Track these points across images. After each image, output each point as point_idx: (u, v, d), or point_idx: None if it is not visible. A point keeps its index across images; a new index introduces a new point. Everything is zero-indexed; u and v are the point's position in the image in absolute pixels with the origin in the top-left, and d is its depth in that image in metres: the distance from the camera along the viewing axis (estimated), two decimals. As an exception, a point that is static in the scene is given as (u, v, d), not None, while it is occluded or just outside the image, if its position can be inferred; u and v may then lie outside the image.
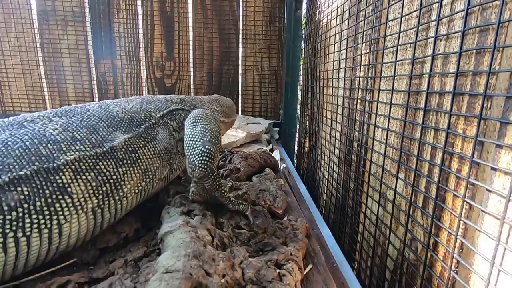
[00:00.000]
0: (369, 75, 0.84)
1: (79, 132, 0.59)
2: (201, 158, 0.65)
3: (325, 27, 1.28)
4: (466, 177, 0.47)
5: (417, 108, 0.62)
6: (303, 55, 1.92)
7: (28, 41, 2.13)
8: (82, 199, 0.53)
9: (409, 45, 0.66)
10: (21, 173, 0.48)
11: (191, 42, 2.18)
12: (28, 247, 0.47)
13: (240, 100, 2.28)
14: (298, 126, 2.08)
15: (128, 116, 0.69)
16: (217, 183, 0.66)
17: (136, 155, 0.64)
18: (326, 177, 1.24)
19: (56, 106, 2.24)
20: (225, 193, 0.68)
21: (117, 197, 0.58)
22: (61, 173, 0.52)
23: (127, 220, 0.62)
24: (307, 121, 1.71)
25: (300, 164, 2.00)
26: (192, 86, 2.25)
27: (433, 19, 0.58)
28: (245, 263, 0.45)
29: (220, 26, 2.15)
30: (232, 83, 2.25)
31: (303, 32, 1.90)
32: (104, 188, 0.56)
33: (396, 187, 0.68)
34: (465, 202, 0.48)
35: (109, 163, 0.58)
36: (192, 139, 0.69)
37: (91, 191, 0.54)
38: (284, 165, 1.35)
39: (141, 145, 0.67)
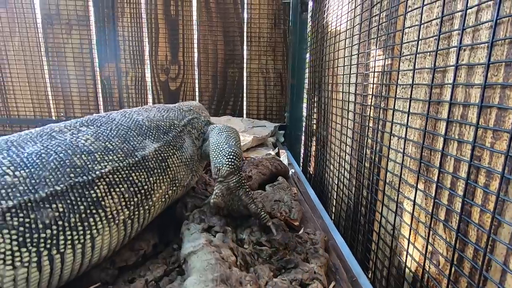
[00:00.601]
0: (384, 82, 0.83)
1: (111, 142, 0.58)
2: (228, 157, 0.68)
3: (334, 31, 1.27)
4: (496, 192, 0.45)
5: (438, 118, 0.61)
6: (308, 58, 1.91)
7: (32, 45, 2.12)
8: (115, 212, 0.52)
9: (428, 53, 0.64)
10: (57, 188, 0.47)
11: (195, 45, 2.17)
12: (62, 264, 0.46)
13: (245, 103, 2.27)
14: (303, 128, 2.07)
15: (154, 125, 0.70)
16: (242, 180, 0.68)
17: (166, 163, 0.65)
18: (336, 183, 1.23)
19: (60, 110, 2.23)
20: (250, 192, 0.68)
21: (146, 207, 0.58)
22: (95, 187, 0.51)
23: (144, 235, 0.61)
24: (314, 124, 1.70)
25: (306, 167, 1.99)
26: (197, 89, 2.24)
27: (455, 28, 0.56)
28: (271, 284, 0.44)
29: (224, 28, 2.14)
30: (237, 86, 2.24)
31: (309, 34, 1.89)
32: (135, 199, 0.56)
33: (415, 198, 0.67)
34: (494, 218, 0.46)
35: (141, 173, 0.58)
36: (218, 143, 0.72)
37: (124, 203, 0.54)
38: (292, 170, 1.33)
39: (170, 154, 0.68)
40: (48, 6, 2.06)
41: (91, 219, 0.49)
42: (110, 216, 0.52)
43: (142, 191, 0.57)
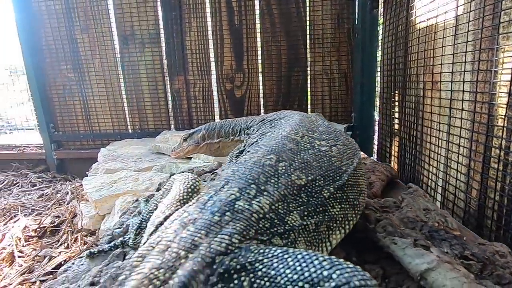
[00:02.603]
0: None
1: (346, 151, 0.63)
2: None
3: (431, 27, 1.21)
4: None
5: None
6: (380, 56, 1.84)
7: (111, 65, 2.31)
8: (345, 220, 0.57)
9: None
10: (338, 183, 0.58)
11: (259, 52, 2.20)
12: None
13: (309, 106, 2.25)
14: (376, 129, 2.00)
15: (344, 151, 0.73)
16: None
17: (360, 180, 0.67)
18: (441, 185, 1.16)
19: (135, 122, 2.40)
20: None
21: (353, 218, 0.60)
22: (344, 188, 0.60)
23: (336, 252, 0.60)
24: (396, 124, 1.64)
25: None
26: (261, 95, 2.27)
27: None
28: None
29: (287, 33, 2.15)
30: (301, 89, 2.23)
31: (381, 32, 1.83)
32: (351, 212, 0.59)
33: None
34: None
35: (353, 189, 0.61)
36: None
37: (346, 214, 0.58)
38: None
39: (362, 173, 0.69)
40: (124, 28, 2.22)
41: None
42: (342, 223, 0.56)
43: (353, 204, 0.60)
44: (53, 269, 1.18)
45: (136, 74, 2.30)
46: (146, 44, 2.25)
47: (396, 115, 1.62)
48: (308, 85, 2.22)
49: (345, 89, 2.19)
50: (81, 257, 0.67)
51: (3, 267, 1.26)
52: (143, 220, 0.59)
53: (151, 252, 0.41)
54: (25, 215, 1.62)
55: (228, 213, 0.45)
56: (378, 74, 1.89)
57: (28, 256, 1.28)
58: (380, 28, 1.83)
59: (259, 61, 2.21)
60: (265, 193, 0.49)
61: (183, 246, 0.40)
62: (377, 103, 1.95)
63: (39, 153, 2.51)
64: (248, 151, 0.64)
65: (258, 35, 2.17)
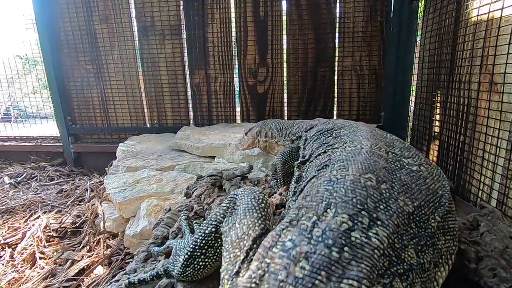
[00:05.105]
0: None
1: (433, 171, 0.57)
2: None
3: (492, 22, 1.09)
4: None
5: None
6: (418, 53, 1.71)
7: (130, 57, 2.23)
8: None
9: None
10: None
11: (284, 46, 2.09)
12: None
13: (336, 103, 2.14)
14: (409, 130, 1.89)
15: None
16: None
17: None
18: (497, 198, 1.05)
19: (154, 117, 2.33)
20: None
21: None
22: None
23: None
24: (436, 127, 1.52)
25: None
26: (285, 91, 2.17)
27: None
28: None
29: (315, 25, 2.02)
30: (328, 85, 2.12)
31: (420, 26, 1.69)
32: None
33: None
34: None
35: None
36: None
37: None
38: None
39: None
40: (144, 19, 2.14)
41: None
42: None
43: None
44: (75, 274, 1.13)
45: (155, 67, 2.22)
46: (166, 36, 2.16)
47: (437, 117, 1.50)
48: (335, 81, 2.11)
49: (374, 86, 2.07)
50: (117, 281, 0.60)
51: (25, 269, 1.21)
52: (196, 247, 0.51)
53: None
54: (44, 212, 1.58)
55: (346, 248, 0.37)
56: (415, 72, 1.76)
57: (49, 258, 1.24)
58: (420, 22, 1.70)
59: (284, 56, 2.10)
60: (378, 222, 0.41)
61: None
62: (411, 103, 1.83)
63: (56, 146, 2.48)
64: (326, 165, 0.56)
65: (284, 27, 2.06)
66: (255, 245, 0.42)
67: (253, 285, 0.35)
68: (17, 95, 3.51)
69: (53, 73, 2.25)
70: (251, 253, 0.41)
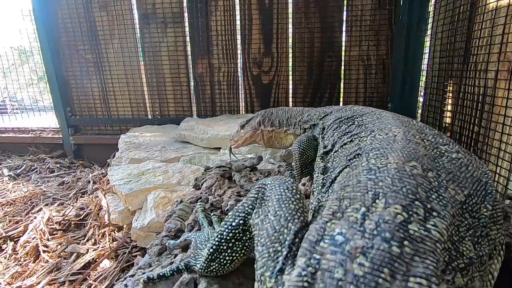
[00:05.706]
0: None
1: (470, 157, 0.53)
2: None
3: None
4: None
5: None
6: (429, 42, 1.67)
7: (130, 46, 2.17)
8: None
9: None
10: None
11: (290, 35, 2.04)
12: None
13: (342, 94, 2.10)
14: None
15: None
16: None
17: None
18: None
19: (156, 108, 2.28)
20: None
21: None
22: None
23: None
24: (447, 118, 1.49)
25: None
26: (290, 82, 2.12)
27: None
28: None
29: (322, 14, 1.97)
30: (334, 75, 2.07)
31: (432, 14, 1.64)
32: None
33: None
34: None
35: None
36: None
37: None
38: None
39: None
40: (145, 6, 2.07)
41: None
42: None
43: None
44: (81, 268, 1.10)
45: (157, 57, 2.16)
46: (168, 24, 2.09)
47: (449, 107, 1.47)
48: (342, 71, 2.06)
49: (382, 77, 2.03)
50: (132, 276, 0.56)
51: (28, 262, 1.18)
52: (222, 241, 0.47)
53: None
54: (46, 205, 1.54)
55: (406, 242, 0.33)
56: (425, 62, 1.72)
57: (53, 251, 1.21)
58: (431, 10, 1.65)
59: (290, 45, 2.05)
60: (434, 213, 0.38)
61: None
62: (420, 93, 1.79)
63: (55, 137, 2.42)
64: (359, 153, 0.52)
65: (290, 16, 2.00)
66: (297, 239, 0.39)
67: (305, 284, 0.31)
68: (14, 87, 3.43)
69: (51, 63, 2.18)
70: (294, 248, 0.38)
